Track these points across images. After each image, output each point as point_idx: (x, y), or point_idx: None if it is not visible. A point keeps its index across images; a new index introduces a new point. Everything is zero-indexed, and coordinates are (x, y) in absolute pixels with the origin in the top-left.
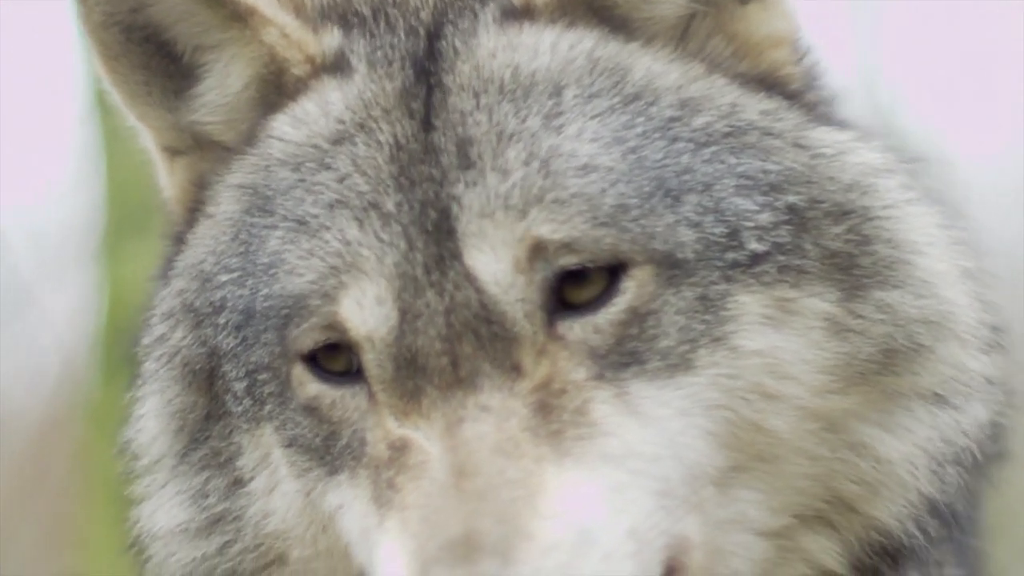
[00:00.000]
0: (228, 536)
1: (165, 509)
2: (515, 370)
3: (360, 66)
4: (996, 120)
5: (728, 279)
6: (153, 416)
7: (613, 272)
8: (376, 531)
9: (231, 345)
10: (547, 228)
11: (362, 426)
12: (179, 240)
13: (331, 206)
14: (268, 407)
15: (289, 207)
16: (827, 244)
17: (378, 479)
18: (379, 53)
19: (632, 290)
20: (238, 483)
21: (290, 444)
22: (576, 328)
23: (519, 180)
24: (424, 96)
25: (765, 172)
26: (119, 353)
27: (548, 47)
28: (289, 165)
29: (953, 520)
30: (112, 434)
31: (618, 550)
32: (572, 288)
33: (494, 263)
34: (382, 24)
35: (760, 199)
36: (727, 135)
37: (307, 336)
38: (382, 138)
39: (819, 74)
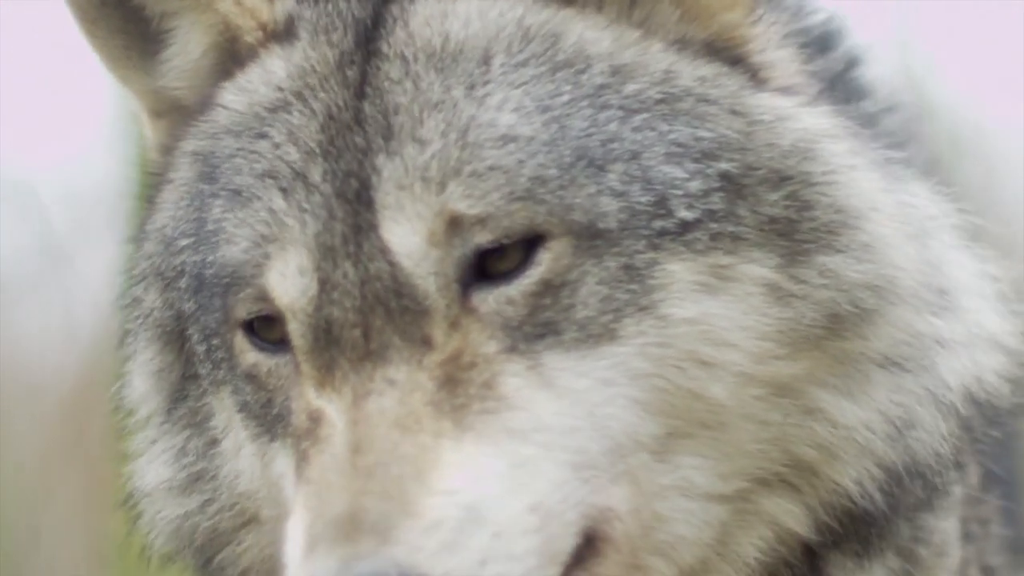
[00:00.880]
0: (207, 495)
1: (154, 466)
2: (425, 343)
3: (305, 33)
4: None
5: (655, 247)
6: (139, 374)
7: (531, 244)
8: (292, 503)
9: (191, 309)
10: (464, 203)
11: (289, 395)
12: (151, 202)
13: (262, 176)
14: (222, 372)
15: (229, 175)
16: (765, 210)
17: (298, 450)
18: (324, 20)
19: (547, 262)
20: (213, 443)
21: (241, 409)
22: (491, 300)
23: (437, 151)
24: (361, 63)
25: (697, 139)
26: None
27: (479, 14)
28: (232, 133)
29: (937, 481)
30: None
31: (513, 526)
32: (492, 259)
33: (409, 236)
34: None
35: (691, 166)
36: (660, 102)
37: (242, 305)
38: (316, 106)
39: (834, 38)
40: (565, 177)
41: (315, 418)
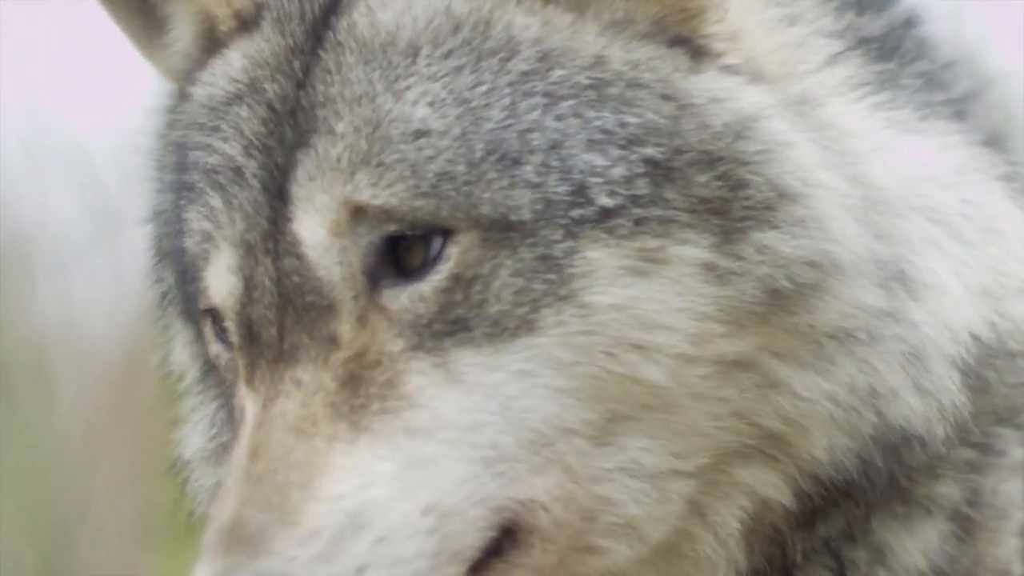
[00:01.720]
0: None
1: (192, 435)
2: (332, 341)
3: (266, 23)
4: None
5: (574, 236)
6: (178, 343)
7: (442, 238)
8: None
9: (189, 292)
10: (368, 193)
11: (235, 389)
12: (157, 183)
13: (210, 171)
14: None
15: (191, 169)
16: (696, 192)
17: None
18: (285, 8)
19: (455, 256)
20: (234, 417)
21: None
22: (402, 297)
23: (349, 144)
24: (308, 53)
25: (623, 125)
26: None
27: (411, 4)
28: (195, 126)
29: (934, 446)
30: None
31: (400, 529)
32: (406, 255)
33: (315, 228)
34: None
35: (615, 153)
36: (588, 88)
37: (200, 297)
38: (263, 99)
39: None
40: (473, 172)
41: (240, 416)
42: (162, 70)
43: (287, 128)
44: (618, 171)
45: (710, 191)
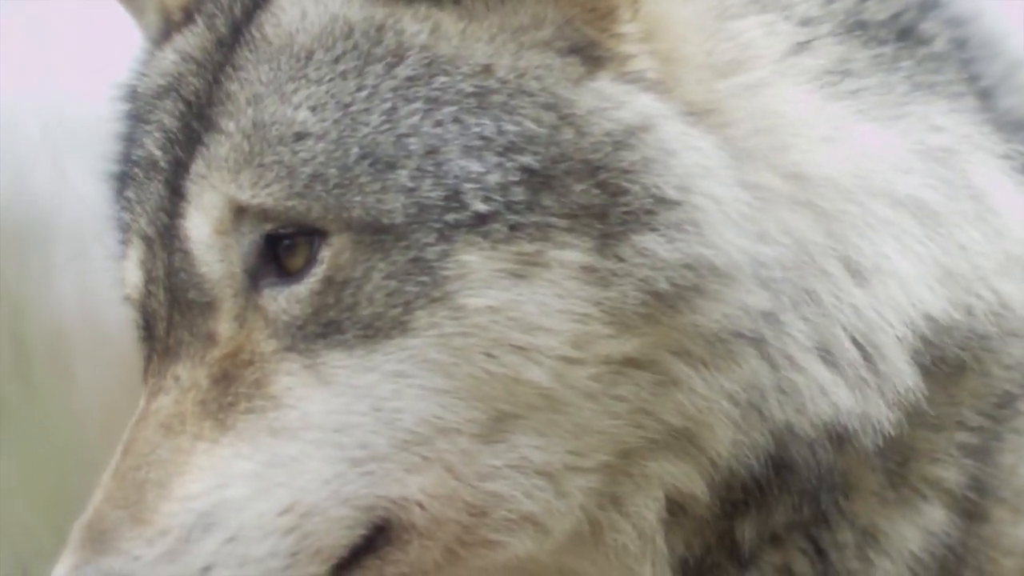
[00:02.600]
0: None
1: None
2: (210, 339)
3: (200, 17)
4: None
5: (447, 239)
6: None
7: (317, 240)
8: None
9: None
10: (248, 193)
11: None
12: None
13: (135, 163)
14: None
15: (124, 160)
16: (574, 199)
17: None
18: (219, 3)
19: (328, 259)
20: None
21: None
22: (280, 298)
23: (236, 144)
24: (228, 49)
25: (502, 133)
26: None
27: (312, 7)
28: (134, 118)
29: (861, 436)
30: None
31: (255, 529)
32: (287, 256)
33: (201, 225)
34: None
35: (492, 160)
36: (471, 95)
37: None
38: (185, 93)
39: None
40: (346, 175)
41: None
42: None
43: (195, 124)
44: (494, 177)
45: (588, 198)
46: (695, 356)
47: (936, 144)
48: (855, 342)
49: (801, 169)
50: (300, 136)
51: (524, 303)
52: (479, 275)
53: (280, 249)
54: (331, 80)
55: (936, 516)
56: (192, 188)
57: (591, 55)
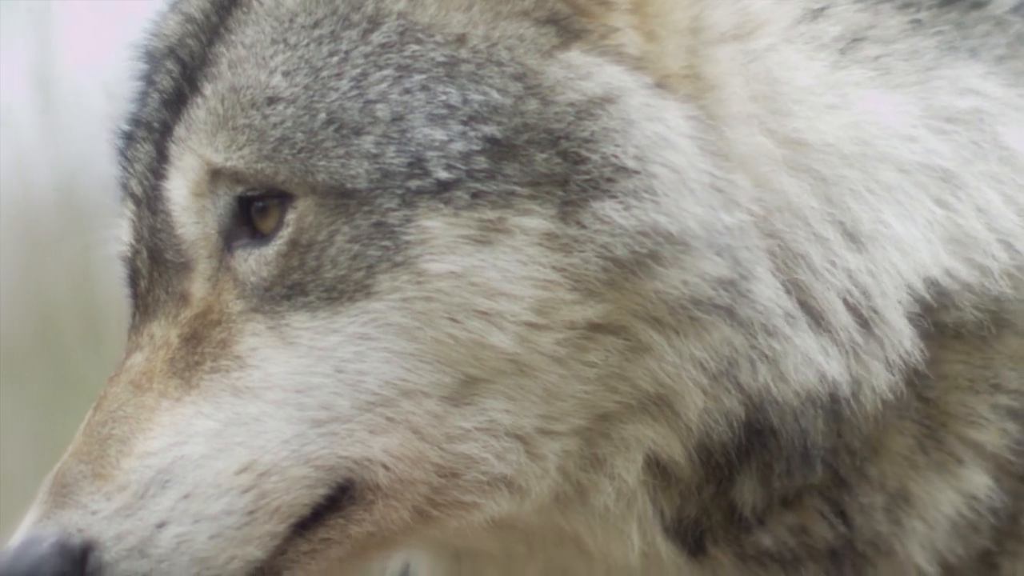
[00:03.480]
0: None
1: None
2: (183, 298)
3: None
4: None
5: (410, 205)
6: None
7: (284, 204)
8: None
9: None
10: (222, 156)
11: None
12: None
13: (137, 122)
14: None
15: (132, 122)
16: (536, 168)
17: None
18: None
19: (293, 222)
20: None
21: None
22: (250, 260)
23: (212, 108)
24: (225, 10)
25: (467, 102)
26: None
27: None
28: (144, 79)
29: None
30: None
31: (211, 486)
32: (259, 218)
33: (180, 186)
34: None
35: (456, 128)
36: (441, 64)
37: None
38: (181, 54)
39: None
40: (312, 140)
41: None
42: None
43: (186, 86)
44: (457, 146)
45: (550, 167)
46: (664, 323)
47: (964, 106)
48: (849, 306)
49: (802, 135)
50: (271, 100)
51: (486, 269)
52: (441, 240)
53: (253, 211)
54: (307, 45)
55: (977, 480)
56: (174, 150)
57: (569, 26)
